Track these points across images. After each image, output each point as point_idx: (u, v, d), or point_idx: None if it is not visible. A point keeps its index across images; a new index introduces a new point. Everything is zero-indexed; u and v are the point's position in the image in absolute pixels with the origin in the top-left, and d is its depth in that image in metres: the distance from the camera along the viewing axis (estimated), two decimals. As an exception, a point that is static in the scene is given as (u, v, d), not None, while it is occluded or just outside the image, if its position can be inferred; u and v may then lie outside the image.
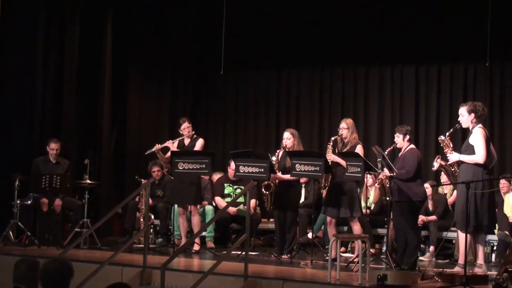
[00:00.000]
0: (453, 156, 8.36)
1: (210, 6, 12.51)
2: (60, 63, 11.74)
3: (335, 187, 9.36)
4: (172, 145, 10.03)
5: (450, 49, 12.19)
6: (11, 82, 11.31)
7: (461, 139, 10.76)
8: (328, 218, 9.51)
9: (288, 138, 9.79)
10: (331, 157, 9.38)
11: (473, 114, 8.31)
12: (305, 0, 12.35)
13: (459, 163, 8.31)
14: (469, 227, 8.02)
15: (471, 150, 8.19)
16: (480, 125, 8.29)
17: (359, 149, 9.25)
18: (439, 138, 8.70)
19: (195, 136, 10.14)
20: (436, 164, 8.67)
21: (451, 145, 8.56)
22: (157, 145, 10.11)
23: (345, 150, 9.31)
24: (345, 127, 9.44)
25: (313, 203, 10.30)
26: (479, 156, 8.13)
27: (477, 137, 8.16)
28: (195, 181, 9.84)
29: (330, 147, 9.55)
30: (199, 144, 10.05)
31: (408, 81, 12.77)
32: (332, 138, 9.63)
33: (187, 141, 10.15)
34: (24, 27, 11.40)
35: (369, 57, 12.81)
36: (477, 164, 8.14)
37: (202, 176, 10.19)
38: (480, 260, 8.38)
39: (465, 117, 8.37)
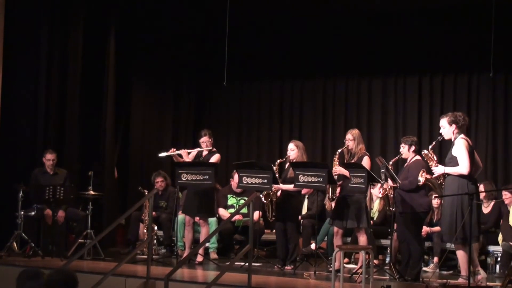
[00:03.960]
0: (438, 169, 8.34)
1: (213, 17, 12.53)
2: (63, 74, 11.74)
3: (343, 198, 9.34)
4: (187, 155, 10.04)
5: (454, 60, 12.21)
6: (15, 92, 11.32)
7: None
8: (335, 229, 9.49)
9: (292, 150, 9.79)
10: (337, 169, 9.37)
11: (454, 125, 8.28)
12: (308, 12, 12.37)
13: (445, 175, 8.30)
14: (457, 239, 8.01)
15: (454, 162, 8.15)
16: (462, 135, 8.25)
17: (365, 161, 9.23)
18: (422, 152, 8.68)
19: (213, 149, 10.14)
20: (421, 179, 8.63)
21: (435, 158, 8.56)
22: (173, 149, 10.13)
23: (352, 161, 9.30)
24: (351, 138, 9.42)
25: (317, 214, 10.29)
26: (463, 168, 8.09)
27: (460, 149, 8.13)
28: (208, 194, 9.86)
29: (336, 159, 9.55)
30: (215, 158, 10.03)
31: (411, 91, 12.77)
32: (338, 151, 9.63)
33: (204, 153, 10.16)
34: (28, 38, 11.43)
35: (372, 68, 12.82)
36: (461, 176, 8.13)
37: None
38: (477, 267, 8.36)
39: (446, 128, 8.34)
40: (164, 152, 10.21)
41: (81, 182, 11.19)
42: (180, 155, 10.04)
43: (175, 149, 10.13)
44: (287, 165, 9.86)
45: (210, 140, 10.13)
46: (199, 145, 10.19)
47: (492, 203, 10.41)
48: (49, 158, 10.64)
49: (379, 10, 12.19)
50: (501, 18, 10.89)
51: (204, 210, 9.90)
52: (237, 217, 10.99)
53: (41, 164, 10.77)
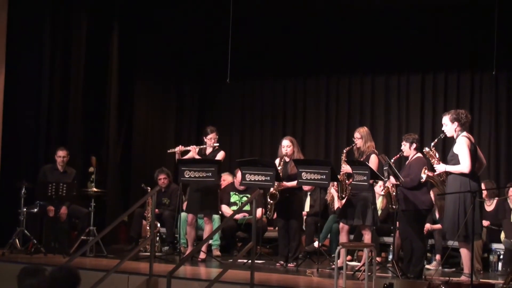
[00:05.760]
0: (440, 167, 8.35)
1: (216, 16, 12.53)
2: (66, 72, 11.75)
3: (352, 196, 9.35)
4: (195, 150, 10.03)
5: (457, 58, 12.19)
6: (17, 90, 11.33)
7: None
8: (341, 225, 9.48)
9: (288, 146, 9.77)
10: (343, 169, 9.37)
11: (456, 123, 8.28)
12: (311, 10, 12.36)
13: (447, 173, 8.30)
14: (460, 237, 8.02)
15: (456, 160, 8.15)
16: (464, 133, 8.26)
17: (373, 159, 9.22)
18: (424, 150, 8.68)
19: (217, 147, 10.13)
20: (424, 176, 8.62)
21: (437, 156, 8.57)
22: (180, 146, 10.12)
23: (361, 159, 9.30)
24: (358, 137, 9.41)
25: (320, 211, 10.29)
26: (464, 166, 8.08)
27: (461, 147, 8.13)
28: (212, 191, 9.85)
29: (343, 158, 9.54)
30: (220, 156, 10.01)
31: (414, 89, 12.74)
32: (345, 150, 9.63)
33: (208, 150, 10.14)
34: (31, 34, 11.45)
35: (375, 66, 12.80)
36: (463, 174, 8.12)
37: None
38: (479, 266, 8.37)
39: (448, 126, 8.35)
40: (172, 149, 10.21)
41: (84, 179, 11.20)
42: (187, 151, 10.05)
43: (182, 147, 10.11)
44: (278, 160, 9.83)
45: (217, 137, 10.13)
46: (203, 143, 10.18)
47: (495, 201, 10.40)
48: (60, 155, 10.67)
49: (382, 7, 12.18)
50: (504, 16, 10.88)
51: (208, 208, 9.89)
52: (240, 215, 10.99)
53: (51, 161, 10.80)
